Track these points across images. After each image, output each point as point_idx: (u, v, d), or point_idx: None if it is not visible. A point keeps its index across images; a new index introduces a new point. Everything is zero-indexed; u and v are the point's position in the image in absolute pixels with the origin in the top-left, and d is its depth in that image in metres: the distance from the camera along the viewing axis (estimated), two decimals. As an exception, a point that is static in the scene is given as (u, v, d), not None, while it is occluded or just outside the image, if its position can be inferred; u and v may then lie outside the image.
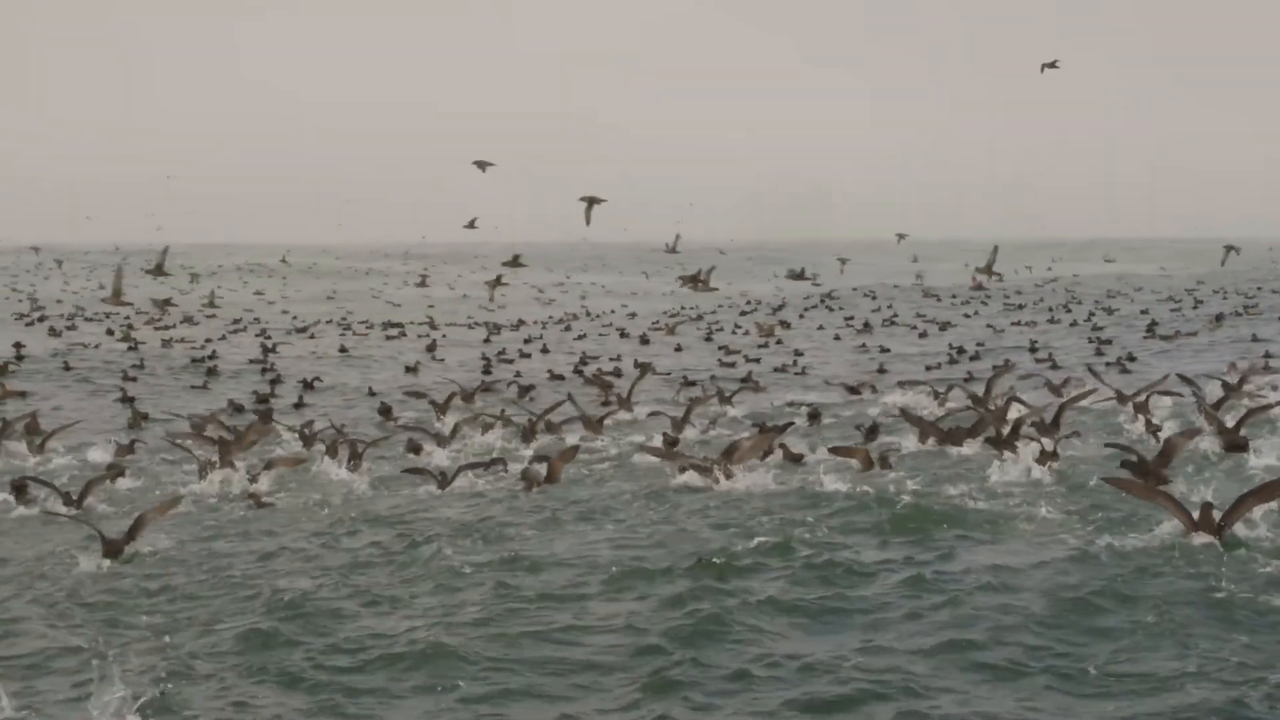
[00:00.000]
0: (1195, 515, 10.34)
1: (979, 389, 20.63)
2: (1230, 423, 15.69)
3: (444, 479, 14.64)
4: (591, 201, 21.45)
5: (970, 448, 15.84)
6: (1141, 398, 18.28)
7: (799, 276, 33.41)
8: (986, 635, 8.38)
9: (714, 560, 10.33)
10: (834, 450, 15.43)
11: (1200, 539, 10.20)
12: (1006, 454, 14.49)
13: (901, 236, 27.40)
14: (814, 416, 19.78)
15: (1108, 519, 11.46)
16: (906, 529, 11.47)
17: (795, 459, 15.28)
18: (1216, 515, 10.30)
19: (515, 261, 26.27)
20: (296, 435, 18.48)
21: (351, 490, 14.75)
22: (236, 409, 22.15)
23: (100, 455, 17.30)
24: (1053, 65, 25.38)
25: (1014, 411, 17.60)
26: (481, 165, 23.02)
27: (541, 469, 14.54)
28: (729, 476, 13.98)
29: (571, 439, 17.60)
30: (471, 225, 23.26)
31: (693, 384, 25.45)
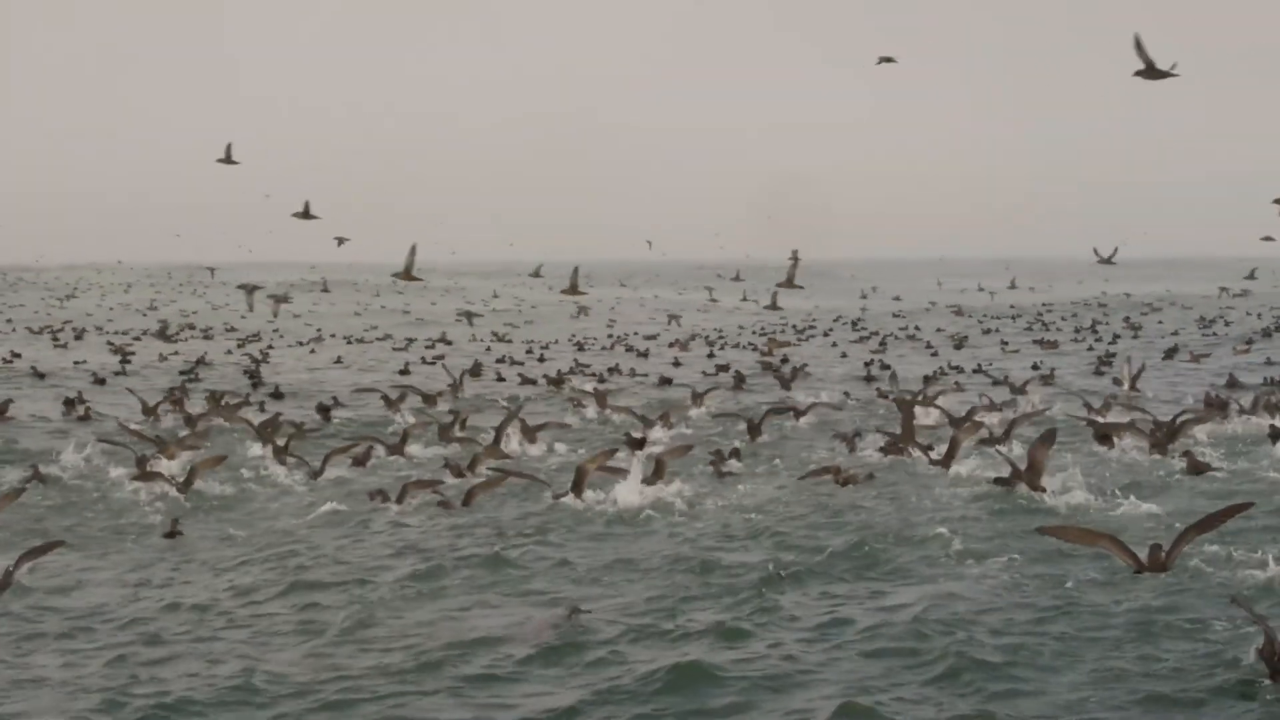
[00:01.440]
0: (1143, 557, 9.94)
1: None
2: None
3: (386, 497, 13.96)
4: (305, 214, 20.94)
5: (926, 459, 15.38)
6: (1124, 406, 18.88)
7: (470, 316, 33.35)
8: (910, 675, 7.93)
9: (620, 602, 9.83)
10: (806, 476, 14.55)
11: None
12: (951, 470, 14.50)
13: (794, 259, 26.01)
14: (799, 414, 20.12)
15: (1049, 547, 10.76)
16: (844, 560, 10.87)
17: (721, 475, 14.68)
18: (1162, 554, 9.94)
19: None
20: (254, 433, 17.97)
21: (279, 512, 14.03)
22: (175, 401, 21.81)
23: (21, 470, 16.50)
24: (888, 59, 24.57)
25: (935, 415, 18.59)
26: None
27: (460, 492, 13.94)
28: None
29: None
30: (340, 243, 22.61)
31: (668, 382, 26.11)
